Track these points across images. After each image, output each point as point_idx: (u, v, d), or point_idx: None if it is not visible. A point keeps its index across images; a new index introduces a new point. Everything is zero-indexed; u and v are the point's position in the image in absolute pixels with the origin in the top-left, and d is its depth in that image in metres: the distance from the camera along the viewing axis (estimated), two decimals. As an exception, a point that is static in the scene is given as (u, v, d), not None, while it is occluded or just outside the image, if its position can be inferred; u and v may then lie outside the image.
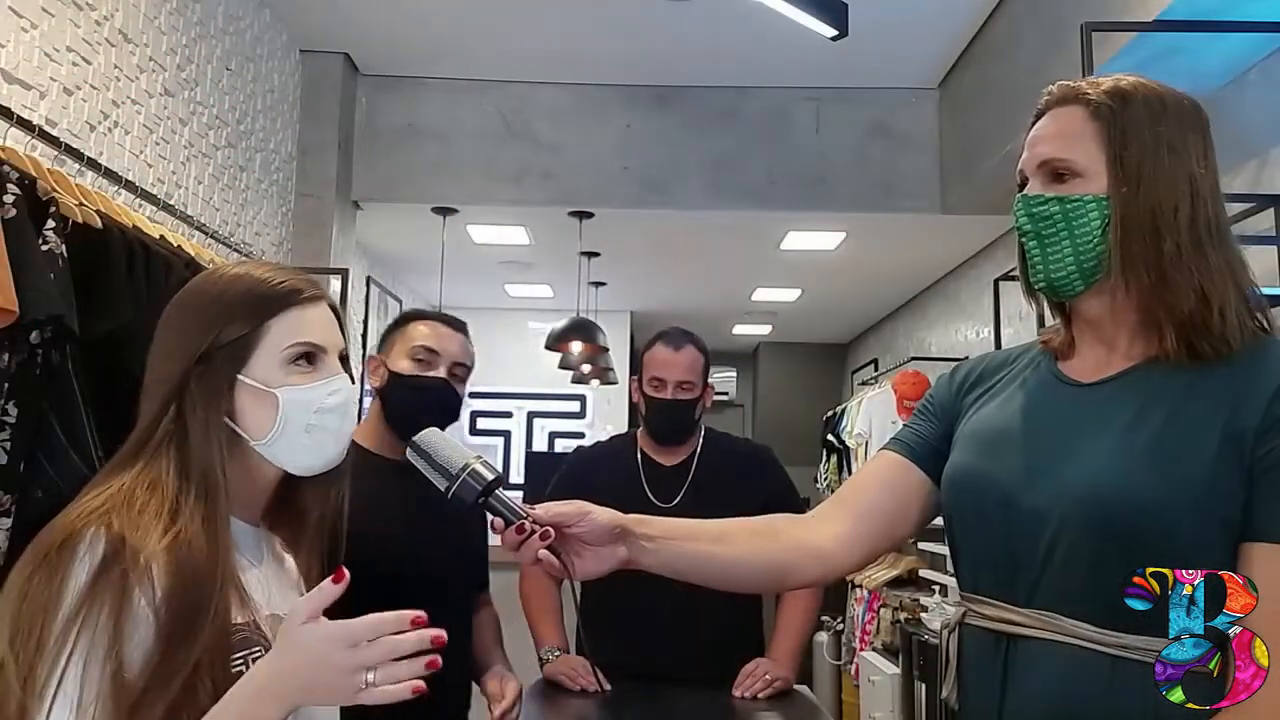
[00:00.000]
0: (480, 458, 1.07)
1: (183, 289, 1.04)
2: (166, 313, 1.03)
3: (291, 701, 0.84)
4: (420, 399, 1.76)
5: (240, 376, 0.99)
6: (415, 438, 1.09)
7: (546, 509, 1.07)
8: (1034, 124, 1.08)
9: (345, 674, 0.82)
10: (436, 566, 1.69)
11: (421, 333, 1.80)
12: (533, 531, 1.04)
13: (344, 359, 1.08)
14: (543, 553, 1.05)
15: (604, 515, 1.09)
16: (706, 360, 2.21)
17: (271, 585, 1.03)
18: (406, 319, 1.85)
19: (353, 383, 1.08)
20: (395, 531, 1.63)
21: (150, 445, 0.96)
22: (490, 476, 1.05)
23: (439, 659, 0.85)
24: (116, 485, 0.93)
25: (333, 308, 1.08)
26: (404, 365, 1.77)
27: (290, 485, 1.07)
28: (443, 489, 1.06)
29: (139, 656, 0.85)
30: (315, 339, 1.02)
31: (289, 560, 1.11)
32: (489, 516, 1.07)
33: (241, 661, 0.91)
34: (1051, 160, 1.03)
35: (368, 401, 1.95)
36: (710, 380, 2.23)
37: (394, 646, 0.83)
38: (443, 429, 1.83)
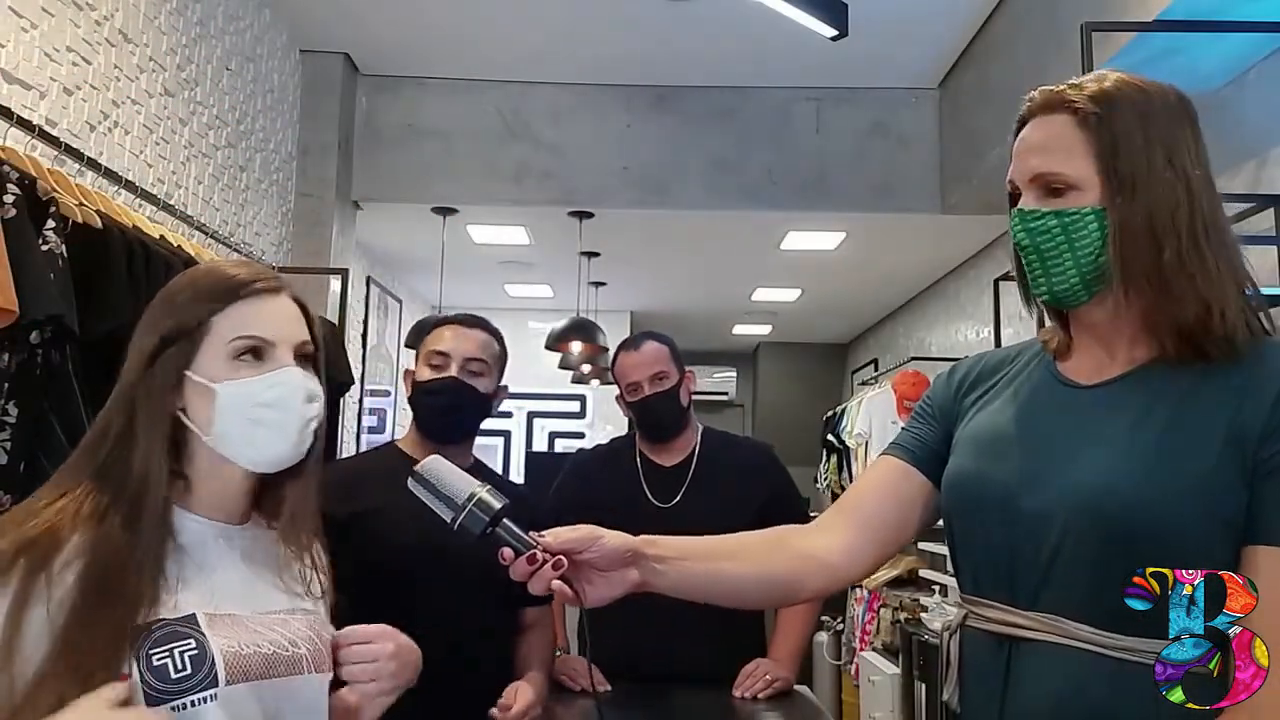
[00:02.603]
0: (486, 486, 1.02)
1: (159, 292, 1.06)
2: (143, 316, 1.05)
3: None
4: (433, 401, 1.81)
5: (187, 373, 0.99)
6: (417, 467, 1.04)
7: (556, 536, 1.02)
8: (1018, 130, 1.07)
9: None
10: (468, 574, 1.69)
11: (434, 337, 1.85)
12: (544, 561, 1.00)
13: (309, 354, 1.05)
14: (555, 582, 1.01)
15: (615, 539, 1.05)
16: (673, 348, 2.20)
17: (237, 585, 1.02)
18: (427, 327, 1.89)
19: (320, 378, 1.06)
20: (429, 537, 1.63)
21: (101, 444, 0.98)
22: (498, 505, 1.01)
23: None
24: (66, 490, 0.96)
25: (298, 301, 1.06)
26: (425, 373, 1.82)
27: (268, 485, 1.08)
28: (448, 520, 1.01)
29: (35, 660, 0.86)
30: (262, 332, 1.01)
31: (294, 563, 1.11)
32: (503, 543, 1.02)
33: (167, 654, 0.91)
34: (1044, 175, 1.02)
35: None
36: (688, 368, 2.22)
37: None
38: (473, 424, 1.86)
